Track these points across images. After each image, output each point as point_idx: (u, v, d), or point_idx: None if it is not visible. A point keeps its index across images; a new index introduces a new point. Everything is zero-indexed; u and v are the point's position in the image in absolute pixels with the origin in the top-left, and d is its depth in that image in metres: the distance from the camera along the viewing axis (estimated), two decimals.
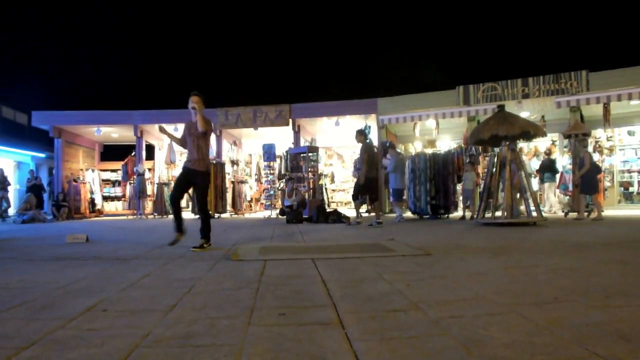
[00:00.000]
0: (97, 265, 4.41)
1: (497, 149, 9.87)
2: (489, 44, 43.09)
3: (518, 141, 9.72)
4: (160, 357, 1.77)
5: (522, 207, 9.65)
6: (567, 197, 12.97)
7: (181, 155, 19.48)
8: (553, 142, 13.40)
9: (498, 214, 9.44)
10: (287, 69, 48.30)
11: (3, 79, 37.32)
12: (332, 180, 20.40)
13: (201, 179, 5.81)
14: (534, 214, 9.02)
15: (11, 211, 16.60)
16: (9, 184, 16.30)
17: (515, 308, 2.42)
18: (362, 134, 9.59)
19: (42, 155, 22.11)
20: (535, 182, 13.42)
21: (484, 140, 9.27)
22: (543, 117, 14.23)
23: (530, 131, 8.94)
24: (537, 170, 13.65)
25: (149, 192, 16.85)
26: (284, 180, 14.90)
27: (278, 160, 16.12)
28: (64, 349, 1.89)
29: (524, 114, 13.21)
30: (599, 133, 14.89)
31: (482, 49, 44.01)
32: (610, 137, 15.15)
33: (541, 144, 15.41)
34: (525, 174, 9.14)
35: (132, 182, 17.27)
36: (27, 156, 21.59)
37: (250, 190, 19.16)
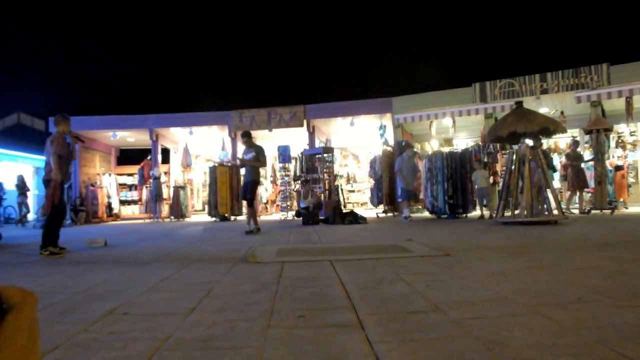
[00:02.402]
0: (116, 269, 4.45)
1: (515, 147, 9.73)
2: (505, 39, 42.62)
3: (540, 137, 9.56)
4: None
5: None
6: (589, 194, 12.74)
7: (196, 159, 19.69)
8: (573, 138, 13.15)
9: (518, 212, 9.29)
10: (301, 70, 48.41)
11: (21, 86, 38.11)
12: (348, 181, 20.36)
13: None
14: (555, 212, 8.87)
15: (30, 216, 16.91)
16: (28, 190, 16.61)
17: (538, 308, 2.37)
18: (248, 136, 8.77)
19: None
20: (557, 180, 13.21)
21: (502, 137, 9.14)
22: (562, 112, 13.98)
23: (549, 127, 8.79)
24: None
25: (165, 195, 17.01)
26: (299, 181, 14.92)
27: (293, 161, 16.14)
28: (86, 352, 1.91)
29: (542, 110, 13.03)
30: (621, 128, 14.59)
31: (499, 44, 43.55)
32: (634, 131, 14.82)
33: (561, 140, 15.16)
34: (545, 171, 8.99)
35: (148, 185, 17.46)
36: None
37: (265, 192, 19.23)
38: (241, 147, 17.67)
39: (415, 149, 14.73)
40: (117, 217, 18.10)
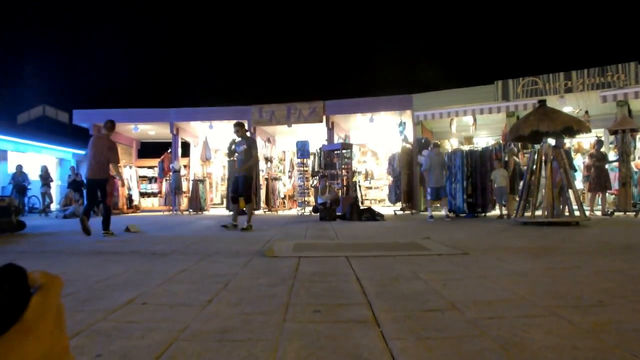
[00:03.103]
0: (136, 260, 4.53)
1: (537, 146, 9.57)
2: (529, 37, 41.88)
3: (563, 137, 9.38)
4: (198, 351, 1.80)
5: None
6: (613, 196, 12.46)
7: (215, 153, 19.86)
8: (598, 138, 12.85)
9: (538, 213, 9.15)
10: (321, 66, 48.33)
11: (46, 79, 38.90)
12: (366, 178, 20.30)
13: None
14: (577, 213, 8.71)
15: (53, 206, 17.28)
16: (52, 180, 16.96)
17: (557, 310, 2.34)
18: (240, 125, 8.47)
19: (83, 152, 22.98)
20: (579, 180, 12.95)
21: (524, 136, 9.00)
22: (587, 112, 13.68)
23: (573, 127, 8.61)
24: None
25: (184, 188, 17.20)
26: (317, 177, 14.93)
27: (312, 157, 16.14)
28: (106, 339, 1.95)
29: (566, 109, 12.76)
30: None
31: (522, 42, 42.80)
32: None
33: (585, 140, 14.85)
34: (567, 172, 8.82)
35: (168, 178, 17.67)
36: (69, 153, 22.46)
37: (283, 187, 19.30)
38: (260, 142, 17.80)
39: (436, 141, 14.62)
40: (137, 209, 18.37)
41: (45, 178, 16.35)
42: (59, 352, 0.40)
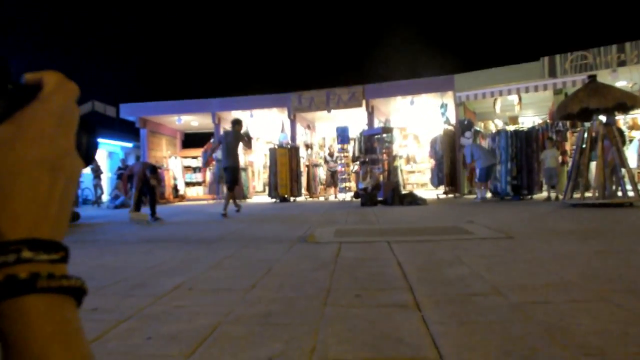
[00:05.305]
0: (183, 247, 4.69)
1: (587, 124, 9.14)
2: (576, 8, 39.78)
3: (615, 114, 8.93)
4: (242, 334, 1.86)
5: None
6: None
7: (257, 141, 20.11)
8: None
9: (588, 194, 8.78)
10: (361, 49, 47.79)
11: (95, 75, 40.43)
12: (407, 162, 20.03)
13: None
14: (631, 193, 8.29)
15: (104, 197, 18.05)
16: (102, 172, 17.72)
17: (607, 295, 2.25)
18: (238, 124, 9.13)
19: (130, 144, 23.79)
20: (634, 159, 12.28)
21: (573, 114, 8.60)
22: None
23: (627, 102, 8.16)
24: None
25: None
26: (358, 162, 14.88)
27: (352, 142, 16.09)
28: (156, 323, 2.04)
29: (619, 84, 12.08)
30: None
31: (570, 14, 40.72)
32: None
33: None
34: (620, 150, 8.39)
35: (211, 168, 18.08)
36: (117, 146, 23.32)
37: (324, 173, 19.34)
38: (300, 129, 17.90)
39: (477, 128, 14.34)
40: (182, 198, 18.93)
41: (97, 171, 17.08)
42: (59, 155, 0.36)
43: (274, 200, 15.18)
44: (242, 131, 9.19)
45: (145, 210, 8.54)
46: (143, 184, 8.43)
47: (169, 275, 3.18)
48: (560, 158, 11.35)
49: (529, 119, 16.01)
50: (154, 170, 8.55)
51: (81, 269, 3.49)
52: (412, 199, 10.77)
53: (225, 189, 16.81)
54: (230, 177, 8.91)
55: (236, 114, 18.10)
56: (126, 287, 2.83)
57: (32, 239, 0.34)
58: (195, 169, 19.88)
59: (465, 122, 13.87)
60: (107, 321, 2.07)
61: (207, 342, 1.78)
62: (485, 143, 13.08)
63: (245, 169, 17.38)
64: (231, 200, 9.01)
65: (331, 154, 16.32)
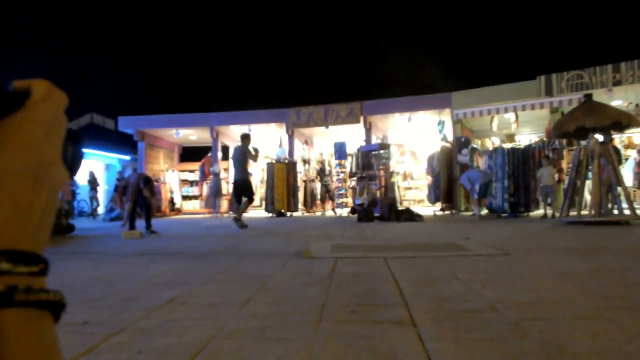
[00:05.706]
0: (178, 260, 4.66)
1: (583, 142, 9.19)
2: (573, 28, 40.36)
3: (611, 132, 8.99)
4: (235, 349, 1.83)
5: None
6: None
7: (265, 158, 20.14)
8: None
9: (584, 212, 8.79)
10: (359, 66, 48.22)
11: (94, 88, 40.60)
12: (405, 178, 20.06)
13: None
14: (627, 212, 8.31)
15: (100, 210, 17.98)
16: (98, 185, 17.69)
17: (604, 312, 2.24)
18: (247, 138, 9.46)
19: (128, 157, 23.77)
20: (630, 178, 12.34)
21: (569, 132, 8.67)
22: (638, 105, 13.04)
23: (622, 121, 8.22)
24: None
25: (224, 191, 17.52)
26: (355, 178, 14.90)
27: (349, 158, 16.13)
28: (148, 336, 2.01)
29: (615, 103, 12.20)
30: None
31: (566, 34, 41.28)
32: None
33: (636, 135, 14.15)
34: (615, 168, 8.43)
35: (208, 181, 18.07)
36: (115, 159, 23.30)
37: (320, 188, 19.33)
38: (298, 144, 17.94)
39: (473, 145, 14.44)
40: (179, 211, 18.87)
41: (93, 183, 17.06)
42: (44, 165, 0.35)
43: (270, 214, 15.14)
44: (250, 146, 9.37)
45: (141, 223, 8.51)
46: (138, 196, 8.41)
47: (163, 288, 3.15)
48: (556, 176, 11.41)
49: (526, 137, 16.11)
50: (148, 182, 8.52)
51: (75, 281, 3.45)
52: (409, 215, 10.76)
53: (219, 202, 16.85)
54: (241, 191, 9.22)
55: (234, 128, 18.18)
56: (121, 299, 2.80)
57: (11, 250, 0.33)
58: (192, 183, 19.86)
59: (463, 140, 13.95)
60: (98, 334, 2.04)
61: (200, 356, 1.75)
62: (482, 160, 13.14)
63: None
64: (232, 213, 9.10)
65: (322, 169, 16.35)
